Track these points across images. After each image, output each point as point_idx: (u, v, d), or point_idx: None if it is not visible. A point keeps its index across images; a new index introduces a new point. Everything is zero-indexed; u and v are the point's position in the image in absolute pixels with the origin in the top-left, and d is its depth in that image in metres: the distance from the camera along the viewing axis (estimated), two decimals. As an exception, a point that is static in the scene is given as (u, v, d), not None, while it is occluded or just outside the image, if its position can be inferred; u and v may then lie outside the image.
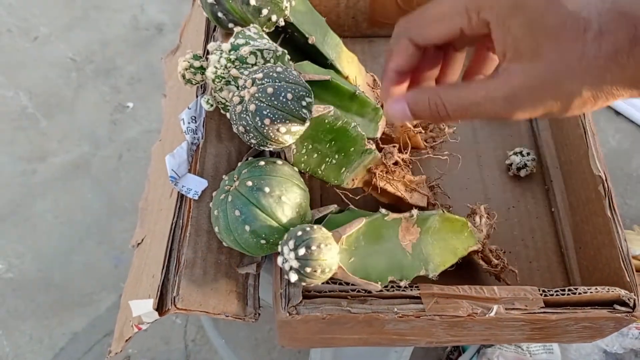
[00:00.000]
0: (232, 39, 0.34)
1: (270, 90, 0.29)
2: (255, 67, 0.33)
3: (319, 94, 0.37)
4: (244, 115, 0.29)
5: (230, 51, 0.33)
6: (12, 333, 0.91)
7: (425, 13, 0.31)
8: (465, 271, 0.41)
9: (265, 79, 0.29)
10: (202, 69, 0.35)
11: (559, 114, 0.27)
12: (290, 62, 0.35)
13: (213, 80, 0.34)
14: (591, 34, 0.25)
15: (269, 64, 0.32)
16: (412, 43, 0.31)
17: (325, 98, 0.38)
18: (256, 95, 0.29)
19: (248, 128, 0.29)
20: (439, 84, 0.35)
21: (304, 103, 0.29)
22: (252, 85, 0.29)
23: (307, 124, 0.30)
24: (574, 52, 0.26)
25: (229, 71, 0.33)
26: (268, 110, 0.29)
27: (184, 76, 0.35)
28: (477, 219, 0.42)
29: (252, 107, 0.29)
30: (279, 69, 0.30)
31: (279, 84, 0.29)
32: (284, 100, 0.29)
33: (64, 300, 0.94)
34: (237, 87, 0.33)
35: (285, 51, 0.35)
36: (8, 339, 0.91)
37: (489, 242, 0.43)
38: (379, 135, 0.42)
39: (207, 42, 0.41)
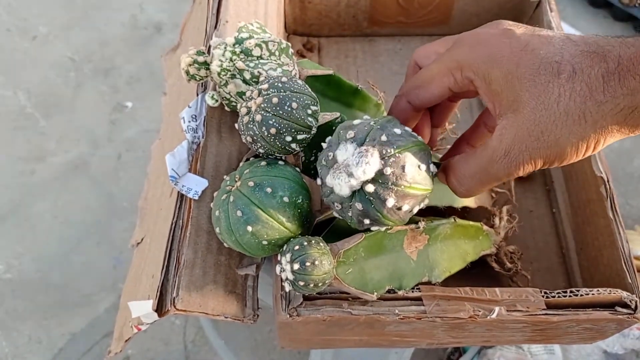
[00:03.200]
0: (235, 33, 0.34)
1: (275, 100, 0.29)
2: (262, 60, 0.33)
3: (322, 89, 0.38)
4: (251, 126, 0.30)
5: (234, 44, 0.34)
6: (10, 334, 0.91)
7: (418, 78, 0.32)
8: (478, 272, 0.41)
9: (271, 90, 0.30)
10: (206, 64, 0.35)
11: (559, 162, 0.27)
12: (294, 57, 0.35)
13: (218, 74, 0.33)
14: (565, 76, 0.25)
15: (275, 75, 0.32)
16: (410, 105, 0.33)
17: (328, 93, 0.38)
18: (262, 105, 0.29)
19: (255, 138, 0.30)
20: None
21: (309, 111, 0.30)
22: (259, 95, 0.30)
23: (314, 131, 0.31)
24: (550, 96, 0.26)
25: (234, 64, 0.33)
26: (274, 120, 0.29)
27: (187, 72, 0.35)
28: (497, 221, 0.42)
29: (258, 117, 0.29)
30: (284, 79, 0.30)
31: (284, 94, 0.29)
32: (289, 109, 0.29)
33: (62, 300, 0.94)
34: (243, 80, 0.33)
35: (290, 44, 0.35)
36: (7, 339, 0.91)
37: (505, 244, 0.42)
38: None
39: (207, 40, 0.41)
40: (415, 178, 0.28)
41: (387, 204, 0.28)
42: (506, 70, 0.27)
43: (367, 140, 0.28)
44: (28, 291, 0.95)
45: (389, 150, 0.27)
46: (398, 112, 0.33)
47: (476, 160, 0.29)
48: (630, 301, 0.34)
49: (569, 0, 1.33)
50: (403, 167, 0.27)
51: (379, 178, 0.27)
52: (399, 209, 0.28)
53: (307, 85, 0.31)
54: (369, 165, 0.27)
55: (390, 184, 0.27)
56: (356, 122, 0.30)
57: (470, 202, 0.42)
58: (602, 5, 1.30)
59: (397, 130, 0.29)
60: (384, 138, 0.28)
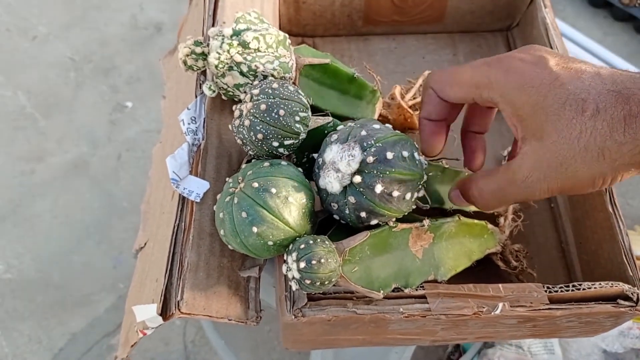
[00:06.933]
0: (233, 24, 0.34)
1: (263, 106, 0.30)
2: (259, 53, 0.33)
3: (319, 77, 0.38)
4: (241, 129, 0.31)
5: (232, 36, 0.34)
6: (11, 334, 0.91)
7: (450, 73, 0.33)
8: (484, 270, 0.41)
9: (261, 95, 0.31)
10: (204, 55, 0.35)
11: (574, 192, 0.28)
12: (291, 47, 0.35)
13: (216, 66, 0.33)
14: (588, 114, 0.26)
15: (267, 80, 0.33)
16: (436, 95, 0.34)
17: (325, 81, 0.38)
18: (251, 111, 0.30)
19: (245, 141, 0.31)
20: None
21: (297, 118, 0.31)
22: (250, 100, 0.31)
23: (303, 136, 0.32)
24: (572, 131, 0.27)
25: (232, 57, 0.33)
26: (261, 126, 0.30)
27: (185, 62, 0.35)
28: (501, 219, 0.42)
29: (246, 122, 0.30)
30: (274, 85, 0.31)
31: (273, 101, 0.30)
32: (276, 116, 0.30)
33: (62, 300, 0.94)
34: (240, 73, 0.33)
35: (287, 35, 0.35)
36: (7, 339, 0.90)
37: (510, 242, 0.42)
38: (376, 116, 0.42)
39: (204, 41, 0.41)
40: (399, 164, 0.29)
41: (376, 190, 0.29)
42: (534, 100, 0.28)
43: (349, 138, 0.30)
44: (28, 291, 0.95)
45: (369, 142, 0.30)
46: (427, 100, 0.35)
47: (497, 179, 0.31)
48: (632, 294, 0.35)
49: (569, 0, 1.34)
50: (385, 155, 0.29)
51: (364, 168, 0.29)
52: (390, 195, 0.30)
53: (298, 91, 0.32)
54: (352, 157, 0.29)
55: (375, 171, 0.29)
56: (339, 127, 0.32)
57: None
58: (602, 5, 1.31)
59: (376, 126, 0.31)
60: (363, 133, 0.30)
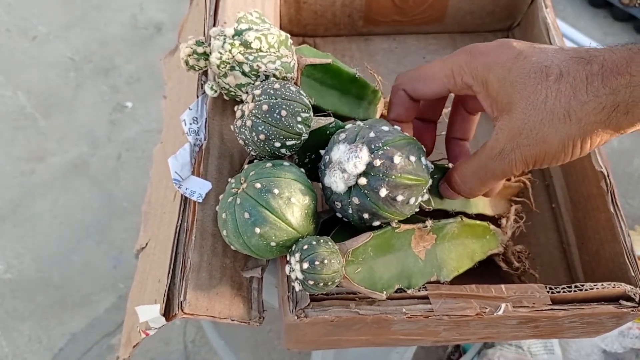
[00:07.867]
0: (235, 24, 0.34)
1: (265, 107, 0.30)
2: (261, 53, 0.33)
3: (320, 77, 0.38)
4: (243, 130, 0.31)
5: (234, 36, 0.34)
6: (11, 334, 0.91)
7: (419, 70, 0.34)
8: (486, 271, 0.41)
9: (263, 96, 0.31)
10: (206, 55, 0.35)
11: (548, 162, 0.29)
12: (293, 47, 0.35)
13: (218, 66, 0.33)
14: (552, 78, 0.27)
15: (268, 80, 0.33)
16: (408, 95, 0.35)
17: (326, 81, 0.38)
18: (253, 111, 0.30)
19: (247, 142, 0.31)
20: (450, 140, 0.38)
21: (299, 119, 0.31)
22: (252, 101, 0.31)
23: (305, 137, 0.32)
24: (538, 96, 0.28)
25: (233, 56, 0.33)
26: (263, 127, 0.30)
27: (187, 62, 0.35)
28: (504, 221, 0.42)
29: (248, 122, 0.30)
30: (276, 86, 0.31)
31: (274, 101, 0.30)
32: (278, 117, 0.30)
33: (62, 300, 0.94)
34: (242, 73, 0.33)
35: (289, 35, 0.35)
36: (7, 339, 0.90)
37: (512, 243, 0.42)
38: (377, 116, 0.43)
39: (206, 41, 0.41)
40: (405, 168, 0.29)
41: (380, 194, 0.29)
42: (500, 75, 0.29)
43: (357, 138, 0.30)
44: (28, 291, 0.95)
45: (377, 145, 0.29)
46: (397, 102, 0.36)
47: (476, 160, 0.31)
48: (634, 294, 0.35)
49: (569, 0, 1.34)
50: (391, 159, 0.29)
51: (370, 171, 0.29)
52: (394, 199, 0.30)
53: (300, 92, 0.32)
54: (359, 159, 0.29)
55: (381, 175, 0.29)
56: (348, 126, 0.32)
57: (487, 209, 0.42)
58: (602, 5, 1.31)
59: (385, 128, 0.31)
60: (372, 135, 0.30)
